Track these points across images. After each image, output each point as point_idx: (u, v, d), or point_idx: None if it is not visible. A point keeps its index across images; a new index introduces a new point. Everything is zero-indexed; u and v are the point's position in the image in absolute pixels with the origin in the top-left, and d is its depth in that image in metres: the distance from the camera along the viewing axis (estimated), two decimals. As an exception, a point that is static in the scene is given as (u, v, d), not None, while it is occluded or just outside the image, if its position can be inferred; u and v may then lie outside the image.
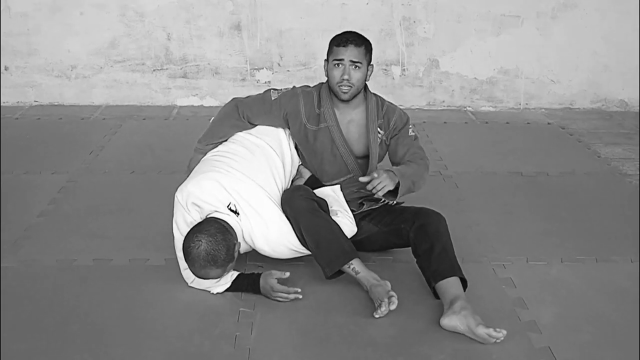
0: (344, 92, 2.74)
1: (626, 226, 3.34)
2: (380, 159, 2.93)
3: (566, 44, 5.19)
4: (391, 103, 2.93)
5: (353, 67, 2.71)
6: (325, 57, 2.80)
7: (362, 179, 2.63)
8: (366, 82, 2.83)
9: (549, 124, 5.02)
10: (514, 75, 5.28)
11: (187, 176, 2.84)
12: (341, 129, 2.84)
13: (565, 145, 4.58)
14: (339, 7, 5.06)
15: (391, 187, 2.61)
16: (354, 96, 2.78)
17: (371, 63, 2.80)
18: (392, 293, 2.53)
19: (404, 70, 5.24)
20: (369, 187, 2.60)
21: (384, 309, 2.50)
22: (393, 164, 2.87)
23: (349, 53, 2.69)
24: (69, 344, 2.38)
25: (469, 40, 5.18)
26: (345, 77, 2.70)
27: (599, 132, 4.83)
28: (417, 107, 5.29)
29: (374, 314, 2.52)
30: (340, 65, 2.71)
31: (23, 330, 2.45)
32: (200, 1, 5.04)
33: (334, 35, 2.79)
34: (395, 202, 2.83)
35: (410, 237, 2.72)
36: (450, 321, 2.44)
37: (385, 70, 5.21)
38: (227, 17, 5.08)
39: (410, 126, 2.88)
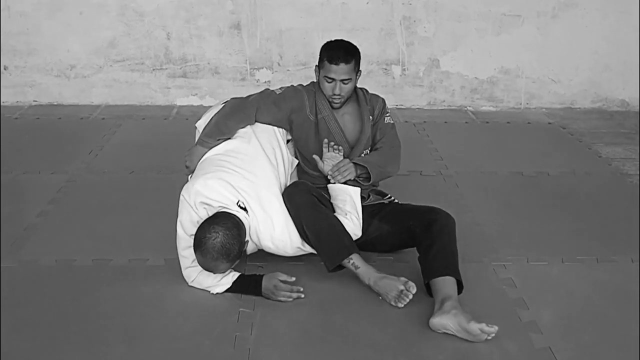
0: (336, 103, 2.93)
1: (626, 226, 3.34)
2: (368, 144, 3.03)
3: (567, 43, 5.19)
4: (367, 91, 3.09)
5: (343, 82, 2.85)
6: (317, 63, 2.91)
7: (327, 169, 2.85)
8: None
9: (549, 123, 5.02)
10: (514, 74, 5.28)
11: (186, 164, 2.90)
12: (336, 118, 2.97)
13: (565, 145, 4.58)
14: (339, 7, 5.06)
15: (352, 177, 2.84)
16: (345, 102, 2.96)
17: (359, 70, 2.92)
18: (404, 279, 2.59)
19: (404, 69, 5.24)
20: (333, 170, 2.81)
21: (410, 297, 2.55)
22: (371, 149, 3.03)
23: (340, 71, 2.82)
24: (69, 344, 2.38)
25: (469, 40, 5.18)
26: (337, 92, 2.87)
27: (599, 132, 4.83)
28: (418, 106, 5.29)
29: (398, 304, 2.57)
30: (332, 82, 2.86)
31: (23, 330, 2.45)
32: (200, 1, 5.04)
33: (327, 41, 2.90)
34: (370, 183, 2.93)
35: (416, 233, 2.74)
36: (440, 320, 2.42)
37: (386, 69, 5.21)
38: (227, 16, 5.08)
39: (388, 113, 3.05)
